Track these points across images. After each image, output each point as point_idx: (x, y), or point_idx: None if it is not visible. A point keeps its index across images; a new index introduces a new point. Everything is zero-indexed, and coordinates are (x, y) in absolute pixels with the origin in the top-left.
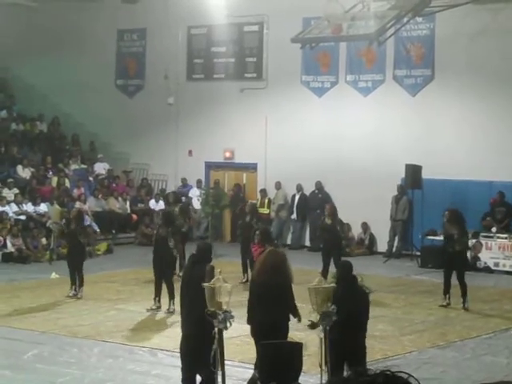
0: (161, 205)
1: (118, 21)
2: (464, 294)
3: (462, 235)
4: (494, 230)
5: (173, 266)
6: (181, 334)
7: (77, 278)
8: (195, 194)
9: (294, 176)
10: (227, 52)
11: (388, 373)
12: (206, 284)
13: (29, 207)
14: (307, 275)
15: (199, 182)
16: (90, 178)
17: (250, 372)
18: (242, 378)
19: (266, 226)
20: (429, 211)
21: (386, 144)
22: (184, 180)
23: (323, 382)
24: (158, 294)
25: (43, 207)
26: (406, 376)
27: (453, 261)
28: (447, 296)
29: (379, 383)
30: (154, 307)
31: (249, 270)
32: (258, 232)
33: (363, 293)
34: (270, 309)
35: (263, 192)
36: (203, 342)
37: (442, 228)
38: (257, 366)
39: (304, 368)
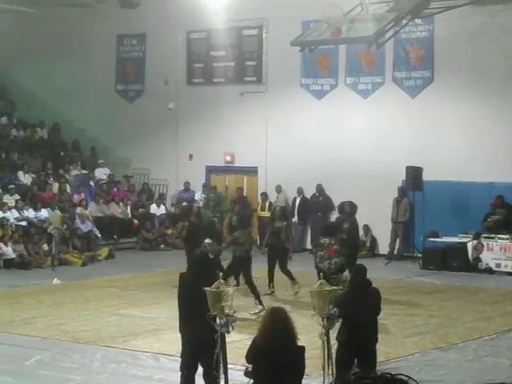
0: (162, 209)
1: (117, 26)
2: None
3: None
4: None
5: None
6: (182, 339)
7: None
8: (199, 198)
9: (294, 179)
10: (227, 56)
11: (388, 375)
12: (208, 288)
13: (30, 213)
14: (309, 278)
15: (205, 185)
16: (91, 184)
17: None
18: (244, 381)
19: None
20: (430, 213)
21: (386, 146)
22: (187, 184)
23: None
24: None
25: (44, 213)
26: (405, 378)
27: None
28: (271, 285)
29: None
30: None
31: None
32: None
33: (376, 293)
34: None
35: (264, 195)
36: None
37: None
38: (247, 373)
39: (307, 371)
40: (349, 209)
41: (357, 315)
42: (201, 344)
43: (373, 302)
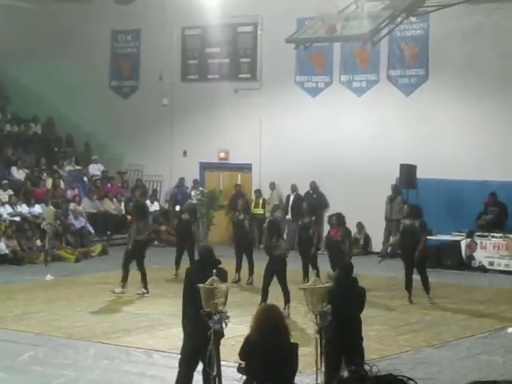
0: (155, 206)
1: (111, 22)
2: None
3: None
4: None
5: None
6: (184, 335)
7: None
8: (194, 195)
9: (288, 176)
10: (221, 53)
11: (389, 376)
12: (201, 285)
13: (23, 208)
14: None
15: (195, 182)
16: (85, 179)
17: None
18: (237, 378)
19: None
20: (423, 211)
21: (380, 144)
22: (182, 180)
23: (319, 381)
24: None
25: (38, 208)
26: (405, 379)
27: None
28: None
29: None
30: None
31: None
32: (334, 216)
33: (361, 290)
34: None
35: (258, 192)
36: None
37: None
38: (240, 370)
39: (300, 367)
40: (409, 211)
41: (341, 311)
42: (204, 340)
43: (357, 298)
